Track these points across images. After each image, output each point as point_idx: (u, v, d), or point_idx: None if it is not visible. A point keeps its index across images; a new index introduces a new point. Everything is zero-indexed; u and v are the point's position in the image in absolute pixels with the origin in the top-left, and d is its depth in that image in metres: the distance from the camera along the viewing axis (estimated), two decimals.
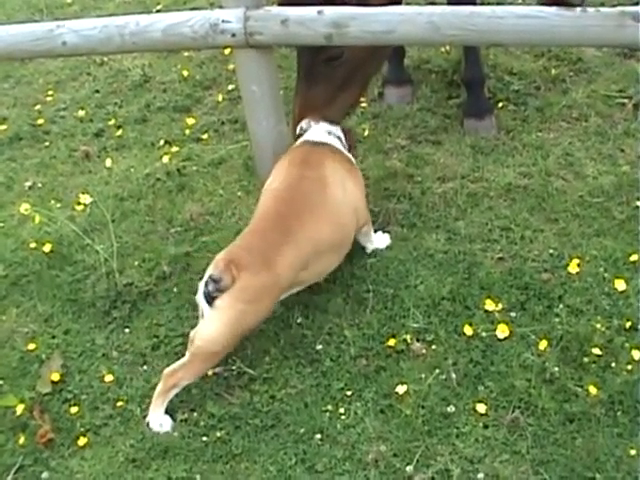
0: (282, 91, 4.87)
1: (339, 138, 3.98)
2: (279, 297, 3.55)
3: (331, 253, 3.73)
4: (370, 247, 4.14)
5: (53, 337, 3.99)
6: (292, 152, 3.94)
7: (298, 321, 3.86)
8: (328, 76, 4.05)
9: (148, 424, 3.41)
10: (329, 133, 3.93)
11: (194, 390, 3.56)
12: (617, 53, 5.84)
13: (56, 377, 3.70)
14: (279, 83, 4.37)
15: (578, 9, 3.40)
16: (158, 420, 3.40)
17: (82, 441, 3.39)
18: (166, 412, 3.43)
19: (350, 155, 4.01)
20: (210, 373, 3.60)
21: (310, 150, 3.87)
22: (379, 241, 4.18)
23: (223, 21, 3.83)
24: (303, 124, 4.00)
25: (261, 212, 3.75)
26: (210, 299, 3.31)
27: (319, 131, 3.95)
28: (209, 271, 3.38)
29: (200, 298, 3.38)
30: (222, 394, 3.54)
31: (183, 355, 3.52)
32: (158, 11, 7.50)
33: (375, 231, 4.19)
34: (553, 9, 3.47)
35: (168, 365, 3.49)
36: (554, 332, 3.58)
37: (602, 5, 3.52)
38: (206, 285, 3.34)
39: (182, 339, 3.80)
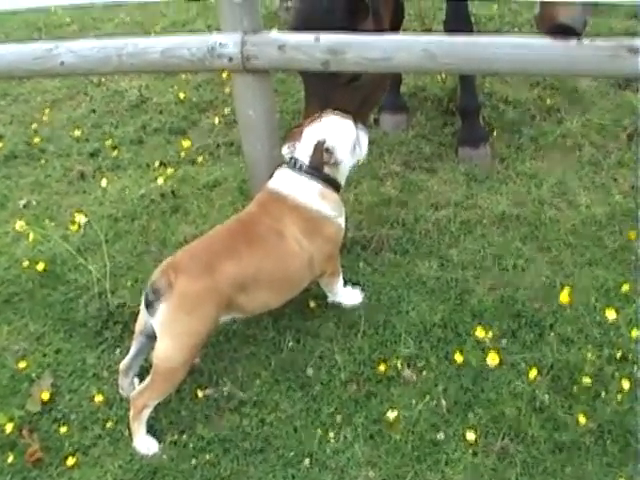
0: (278, 115, 4.88)
1: (311, 171, 3.70)
2: (220, 309, 3.44)
3: (271, 290, 3.64)
4: (331, 299, 4.04)
5: (44, 356, 3.98)
6: (261, 196, 3.82)
7: (289, 345, 3.85)
8: (344, 100, 4.02)
9: (135, 449, 3.41)
10: (300, 169, 3.71)
11: (184, 412, 3.56)
12: (612, 84, 5.89)
13: (46, 396, 3.68)
14: (275, 107, 4.36)
15: (573, 40, 3.42)
16: (144, 443, 3.40)
17: (71, 461, 3.37)
18: (155, 434, 3.43)
19: (318, 203, 3.70)
20: (200, 395, 3.60)
21: (271, 202, 3.73)
22: (347, 297, 4.04)
23: (221, 45, 3.83)
24: (285, 148, 3.82)
25: (214, 230, 3.75)
26: (152, 308, 3.30)
27: (287, 174, 3.76)
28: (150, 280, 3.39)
29: (143, 310, 3.38)
30: (212, 417, 3.53)
31: None
32: (156, 33, 7.54)
33: (353, 284, 4.12)
34: (549, 40, 3.49)
35: None
36: (545, 361, 3.59)
37: (597, 36, 3.53)
38: (146, 295, 3.33)
39: None
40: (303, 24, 3.91)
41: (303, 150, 3.74)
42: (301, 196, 3.68)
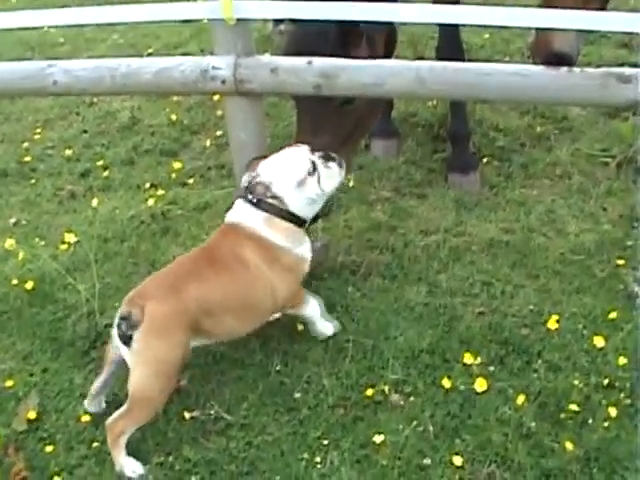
0: (269, 139, 4.89)
1: (257, 204, 3.68)
2: (189, 331, 3.42)
3: (236, 316, 3.62)
4: (312, 329, 3.97)
5: (31, 375, 3.97)
6: (223, 226, 3.84)
7: (277, 368, 3.85)
8: (336, 124, 4.06)
9: (122, 474, 3.38)
10: (248, 201, 3.70)
11: (170, 434, 3.54)
12: (601, 112, 5.91)
13: (32, 415, 3.67)
14: (266, 131, 4.37)
15: (564, 69, 3.44)
16: (129, 466, 3.37)
17: None
18: (141, 455, 3.42)
19: (267, 232, 3.67)
20: (187, 417, 3.59)
21: (230, 232, 3.74)
22: (319, 326, 3.95)
23: (214, 67, 3.84)
24: (245, 177, 3.78)
25: (179, 259, 3.80)
26: (127, 339, 3.29)
27: (239, 205, 3.77)
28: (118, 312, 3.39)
29: (118, 343, 3.36)
30: (198, 439, 3.51)
31: None
32: (149, 54, 7.57)
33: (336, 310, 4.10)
34: (540, 68, 3.51)
35: None
36: (532, 387, 3.59)
37: (588, 65, 3.55)
38: (119, 327, 3.32)
39: None
40: (296, 49, 3.93)
41: (247, 182, 3.77)
42: (251, 225, 3.69)
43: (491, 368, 3.73)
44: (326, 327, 3.97)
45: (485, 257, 4.51)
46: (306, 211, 3.77)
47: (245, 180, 3.78)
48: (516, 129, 5.81)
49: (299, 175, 3.70)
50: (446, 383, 3.62)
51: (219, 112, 6.35)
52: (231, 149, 4.28)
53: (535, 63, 3.70)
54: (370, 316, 4.11)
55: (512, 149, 5.57)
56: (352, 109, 4.07)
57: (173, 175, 5.67)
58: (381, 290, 4.30)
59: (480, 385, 3.55)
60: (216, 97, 6.05)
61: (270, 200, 3.67)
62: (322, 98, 3.88)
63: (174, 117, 6.51)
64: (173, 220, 5.13)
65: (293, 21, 4.17)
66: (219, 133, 6.18)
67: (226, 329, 3.64)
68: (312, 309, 3.89)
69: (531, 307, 4.10)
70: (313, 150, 3.76)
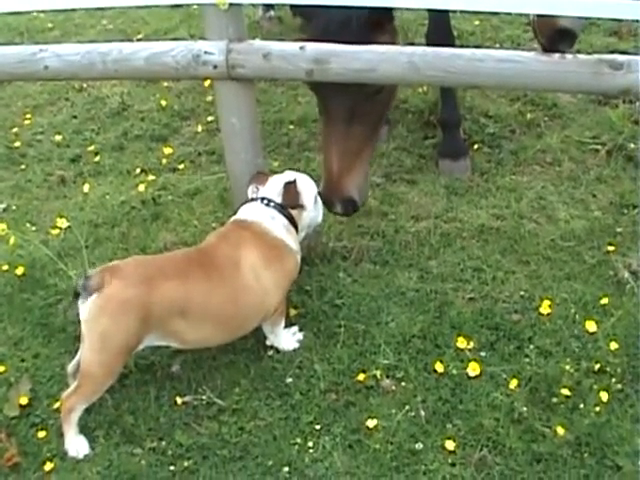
0: (260, 125, 4.88)
1: (278, 207, 3.79)
2: (147, 326, 3.36)
3: (217, 324, 3.57)
4: (271, 340, 3.89)
5: (22, 360, 3.95)
6: (223, 228, 3.87)
7: (269, 354, 3.86)
8: (368, 113, 4.05)
9: (66, 453, 3.41)
10: (267, 204, 3.79)
11: (162, 419, 3.54)
12: (591, 100, 5.92)
13: (24, 401, 3.66)
14: (258, 117, 4.36)
15: (556, 55, 3.43)
16: (73, 445, 3.39)
17: (48, 466, 3.35)
18: (133, 440, 3.43)
19: (283, 234, 3.77)
20: (179, 402, 3.60)
21: (234, 230, 3.78)
22: (285, 340, 3.90)
23: (205, 52, 3.83)
24: (250, 189, 3.92)
25: (172, 252, 3.83)
26: (76, 295, 3.32)
27: (255, 206, 3.83)
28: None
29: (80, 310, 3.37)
30: (191, 424, 3.51)
31: (154, 384, 3.53)
32: (139, 40, 7.53)
33: (291, 324, 4.00)
34: (532, 54, 3.51)
35: (139, 394, 3.50)
36: (523, 372, 3.60)
37: (578, 52, 3.55)
38: (76, 286, 3.37)
39: (153, 368, 3.80)
40: (321, 35, 3.86)
41: (272, 189, 3.84)
42: (268, 223, 3.73)
43: (482, 353, 3.74)
44: (292, 340, 3.93)
45: (476, 243, 4.51)
46: (300, 231, 3.92)
47: (252, 192, 3.90)
48: (506, 116, 5.81)
49: (315, 191, 3.93)
50: (438, 368, 3.63)
51: (209, 98, 6.33)
52: (222, 135, 4.26)
53: (538, 41, 3.71)
54: (361, 302, 4.11)
55: (502, 136, 5.57)
56: (380, 97, 4.07)
57: (163, 161, 5.66)
58: (372, 276, 4.30)
59: (472, 370, 3.56)
60: (207, 83, 6.03)
61: (293, 210, 3.81)
62: (353, 88, 3.85)
63: (164, 103, 6.49)
64: (163, 206, 5.12)
65: (301, 13, 4.15)
66: (209, 119, 6.16)
67: (201, 336, 3.58)
68: (283, 322, 3.90)
69: (522, 293, 4.11)
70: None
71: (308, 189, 3.90)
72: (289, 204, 3.79)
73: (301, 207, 3.84)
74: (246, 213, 3.82)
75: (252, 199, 3.87)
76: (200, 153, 5.76)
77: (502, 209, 4.79)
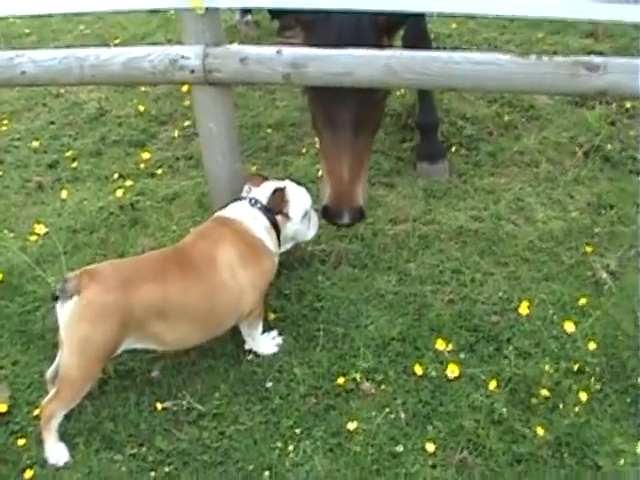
0: (238, 129, 4.88)
1: (263, 209, 3.82)
2: (127, 329, 3.36)
3: (194, 323, 3.56)
4: (249, 344, 3.88)
5: (1, 368, 3.92)
6: (202, 226, 3.88)
7: (248, 358, 3.85)
8: (375, 116, 4.05)
9: (46, 460, 3.39)
10: (253, 204, 3.82)
11: (142, 425, 3.53)
12: (568, 101, 5.94)
13: (3, 408, 3.63)
14: (235, 121, 4.35)
15: (533, 57, 3.44)
16: (53, 453, 3.38)
17: (28, 474, 3.33)
18: (113, 446, 3.42)
19: (263, 234, 3.78)
20: (159, 408, 3.59)
21: (214, 227, 3.79)
22: (264, 345, 3.90)
23: (182, 57, 3.82)
24: (245, 189, 3.97)
25: (148, 254, 3.80)
26: (55, 298, 3.30)
27: (240, 205, 3.87)
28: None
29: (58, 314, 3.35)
30: (171, 429, 3.50)
31: (133, 390, 3.52)
32: (116, 45, 7.52)
33: (270, 328, 3.99)
34: (508, 56, 3.51)
35: (119, 400, 3.49)
36: (503, 374, 3.62)
37: (555, 54, 3.56)
38: (54, 289, 3.34)
39: (132, 373, 3.79)
40: (331, 40, 3.78)
41: (262, 192, 3.87)
42: (249, 222, 3.76)
43: (462, 355, 3.75)
44: (271, 345, 3.93)
45: (454, 245, 4.52)
46: (283, 240, 3.95)
47: (245, 192, 3.95)
48: (484, 118, 5.83)
49: (306, 207, 3.94)
50: (417, 370, 3.64)
51: (186, 102, 6.32)
52: (200, 139, 4.26)
53: None
54: (340, 305, 4.11)
55: (480, 137, 5.59)
56: (383, 103, 4.11)
57: (141, 166, 5.64)
58: (351, 279, 4.30)
59: (451, 372, 3.57)
60: (184, 88, 6.02)
61: (279, 215, 3.84)
62: (363, 95, 3.83)
63: (142, 108, 6.48)
64: (142, 211, 5.10)
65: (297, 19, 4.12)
66: (187, 123, 6.16)
67: (179, 337, 3.56)
68: (261, 325, 3.89)
69: (500, 294, 4.12)
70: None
71: (299, 201, 3.91)
72: (273, 208, 3.81)
73: (285, 215, 3.85)
74: (230, 211, 3.84)
75: (240, 198, 3.90)
76: (178, 158, 5.74)
77: (480, 211, 4.80)
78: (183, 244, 3.74)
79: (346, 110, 3.90)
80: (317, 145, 5.26)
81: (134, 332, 3.40)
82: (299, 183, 4.02)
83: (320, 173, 5.01)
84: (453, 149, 5.44)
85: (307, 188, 4.01)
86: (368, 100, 3.89)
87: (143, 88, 6.82)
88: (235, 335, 3.86)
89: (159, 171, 5.59)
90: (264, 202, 3.82)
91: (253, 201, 3.83)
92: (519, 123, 5.76)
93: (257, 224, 3.76)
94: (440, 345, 3.70)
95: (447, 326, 3.92)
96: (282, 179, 4.01)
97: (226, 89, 4.01)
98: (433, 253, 4.47)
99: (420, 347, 3.82)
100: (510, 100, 6.01)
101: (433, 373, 3.65)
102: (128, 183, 5.40)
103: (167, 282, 3.45)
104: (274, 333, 3.96)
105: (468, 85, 3.71)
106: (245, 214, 3.78)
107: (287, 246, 4.01)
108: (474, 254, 4.43)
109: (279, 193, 3.82)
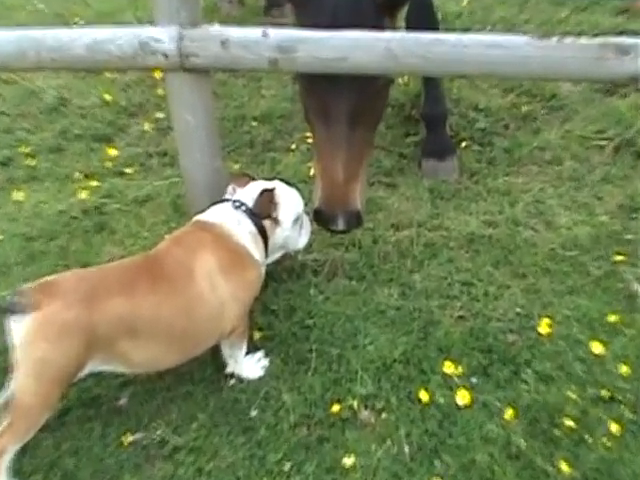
0: (218, 122, 4.88)
1: (249, 212, 3.82)
2: (91, 350, 3.32)
3: (169, 342, 3.53)
4: (231, 367, 3.90)
5: None
6: (178, 231, 3.85)
7: (230, 383, 3.85)
8: (378, 105, 4.03)
9: None
10: (237, 207, 3.83)
11: (109, 460, 3.52)
12: (596, 89, 5.96)
13: None
14: (214, 113, 4.35)
15: (555, 38, 3.44)
16: None
17: None
18: None
19: (248, 241, 3.78)
20: (128, 440, 3.58)
21: (192, 232, 3.78)
22: (248, 368, 3.91)
23: (154, 40, 3.81)
24: (229, 190, 3.98)
25: (118, 262, 3.74)
26: (7, 312, 3.26)
27: (223, 207, 3.87)
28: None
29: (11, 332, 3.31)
30: (142, 465, 3.50)
31: (98, 420, 3.52)
32: (78, 25, 7.51)
33: (256, 349, 4.01)
34: (525, 37, 3.52)
35: (82, 432, 3.48)
36: (521, 401, 3.62)
37: (580, 34, 3.56)
38: (6, 303, 3.29)
39: (98, 401, 3.80)
40: (328, 20, 3.76)
41: (248, 193, 3.87)
42: (232, 227, 3.75)
43: (474, 379, 3.76)
44: (256, 368, 3.93)
45: (465, 254, 4.53)
46: (271, 249, 3.93)
47: (229, 193, 3.95)
48: (499, 109, 5.84)
49: (297, 211, 3.95)
50: (423, 397, 3.65)
51: (160, 91, 6.33)
52: (175, 133, 4.26)
53: None
54: (335, 322, 4.12)
55: (494, 131, 5.60)
56: (385, 92, 4.08)
57: (108, 164, 5.64)
58: (348, 292, 4.32)
59: (462, 398, 3.58)
60: (157, 74, 6.03)
61: (267, 220, 3.84)
62: (362, 83, 3.80)
63: (108, 97, 6.47)
64: (108, 215, 5.10)
65: None
66: (160, 115, 6.16)
67: (150, 357, 3.53)
68: (245, 346, 3.90)
69: (518, 310, 4.13)
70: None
71: (290, 205, 3.92)
72: (260, 212, 3.81)
73: (274, 220, 3.86)
74: (210, 214, 3.84)
75: (223, 200, 3.91)
76: (150, 155, 5.74)
77: (494, 215, 4.81)
78: (156, 251, 3.72)
79: (342, 100, 3.87)
80: (309, 140, 5.30)
81: (100, 352, 3.37)
82: (289, 183, 4.02)
83: (312, 172, 5.03)
84: (464, 144, 5.45)
85: (298, 189, 4.01)
86: (367, 89, 3.87)
87: (109, 74, 6.81)
88: (215, 357, 3.86)
89: (128, 170, 5.59)
90: (250, 205, 3.82)
91: (237, 203, 3.83)
92: (539, 114, 5.78)
93: (241, 229, 3.76)
94: (449, 368, 3.71)
95: (457, 346, 3.93)
96: (271, 179, 4.01)
97: (204, 76, 4.02)
98: (441, 263, 4.48)
99: (426, 370, 3.83)
100: (529, 88, 6.02)
101: (441, 400, 3.65)
102: (93, 183, 5.40)
103: (137, 295, 3.43)
104: (260, 354, 3.96)
105: (479, 71, 3.72)
106: (228, 218, 3.78)
107: (276, 255, 4.02)
108: (487, 264, 4.44)
109: (267, 195, 3.82)
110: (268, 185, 3.90)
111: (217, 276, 3.59)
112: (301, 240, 4.08)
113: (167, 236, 3.88)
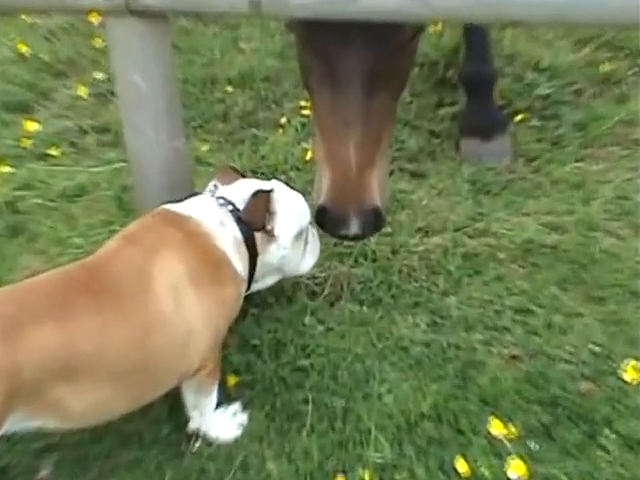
0: (180, 86, 4.89)
1: (236, 214, 3.76)
2: (14, 400, 3.20)
3: (117, 381, 3.41)
4: (197, 423, 3.87)
5: None
6: (133, 225, 3.77)
7: (195, 447, 3.83)
8: (392, 76, 3.88)
9: None
10: (223, 204, 3.77)
11: None
12: None
13: None
14: (175, 73, 4.35)
15: None
16: None
17: None
18: None
19: (230, 248, 3.71)
20: None
21: (153, 226, 3.71)
22: (218, 426, 3.89)
23: None
24: (209, 188, 3.94)
25: (48, 274, 3.60)
26: None
27: (203, 199, 3.85)
28: None
29: None
30: None
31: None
32: None
33: (230, 399, 3.98)
34: None
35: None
36: (599, 474, 3.59)
37: None
38: None
39: (10, 473, 3.79)
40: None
41: (237, 192, 3.83)
42: (211, 224, 3.68)
43: (532, 444, 3.75)
44: (229, 427, 3.92)
45: (519, 269, 4.55)
46: (261, 271, 3.87)
47: (210, 189, 3.93)
48: (568, 68, 5.85)
49: (301, 224, 3.90)
50: (461, 467, 3.63)
51: (98, 43, 6.35)
52: (120, 102, 4.26)
53: None
54: (340, 363, 4.12)
55: (562, 100, 5.62)
56: (411, 46, 3.97)
57: (26, 143, 5.66)
58: (356, 322, 4.32)
59: (515, 471, 3.57)
60: (94, 18, 6.05)
61: (260, 233, 3.77)
62: (380, 30, 3.71)
63: (25, 49, 6.49)
64: (27, 214, 5.11)
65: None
66: (98, 76, 6.18)
67: (95, 404, 3.42)
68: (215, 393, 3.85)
69: (593, 348, 4.13)
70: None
71: (291, 215, 3.87)
72: (250, 221, 3.74)
73: (269, 234, 3.80)
74: (184, 206, 3.77)
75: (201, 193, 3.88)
76: (85, 131, 5.76)
77: (561, 216, 4.82)
78: (100, 256, 3.62)
79: (354, 58, 3.75)
80: (306, 112, 5.30)
81: (24, 404, 3.27)
82: (278, 178, 4.03)
83: (310, 156, 5.03)
84: (519, 118, 5.46)
85: (293, 188, 4.00)
86: (387, 42, 3.78)
87: (28, 18, 6.83)
88: (174, 409, 3.86)
89: (54, 151, 5.61)
90: (239, 205, 3.77)
91: (222, 201, 3.78)
92: (625, 77, 5.79)
93: (224, 232, 3.69)
94: (497, 428, 3.71)
95: (508, 398, 3.92)
96: (268, 177, 3.99)
97: (160, 22, 4.01)
98: (485, 282, 4.49)
99: (465, 430, 3.82)
100: (609, 40, 6.03)
101: (486, 473, 3.63)
102: (6, 170, 5.42)
103: (74, 319, 3.31)
104: (235, 407, 3.95)
105: (540, 17, 3.72)
106: (207, 213, 3.71)
107: (267, 282, 4.00)
108: (551, 284, 4.44)
109: (262, 199, 3.74)
110: (263, 185, 3.84)
111: (185, 289, 3.49)
112: (304, 263, 4.05)
113: (119, 232, 3.79)
